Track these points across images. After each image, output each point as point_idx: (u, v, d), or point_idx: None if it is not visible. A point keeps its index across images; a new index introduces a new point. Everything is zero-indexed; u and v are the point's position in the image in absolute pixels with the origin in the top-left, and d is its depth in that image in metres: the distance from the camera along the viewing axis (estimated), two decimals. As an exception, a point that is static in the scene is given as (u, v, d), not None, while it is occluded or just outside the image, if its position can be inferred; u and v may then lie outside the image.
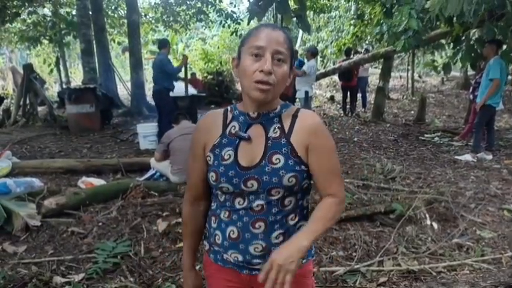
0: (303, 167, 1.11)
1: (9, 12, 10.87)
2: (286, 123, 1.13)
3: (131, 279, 2.54)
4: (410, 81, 14.27)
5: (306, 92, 7.44)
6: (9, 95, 13.46)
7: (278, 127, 1.13)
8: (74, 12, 12.65)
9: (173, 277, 2.57)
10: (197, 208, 1.27)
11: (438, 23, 6.36)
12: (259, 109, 1.13)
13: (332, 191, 1.14)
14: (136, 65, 10.66)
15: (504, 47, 6.16)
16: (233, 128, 1.16)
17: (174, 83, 6.94)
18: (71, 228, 3.21)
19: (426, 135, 7.33)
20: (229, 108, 1.22)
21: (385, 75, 9.76)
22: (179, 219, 3.32)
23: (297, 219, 1.16)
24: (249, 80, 1.07)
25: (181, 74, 7.42)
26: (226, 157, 1.13)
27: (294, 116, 1.14)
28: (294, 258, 1.00)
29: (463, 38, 6.84)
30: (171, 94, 6.93)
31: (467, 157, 5.57)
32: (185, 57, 7.15)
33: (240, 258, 1.15)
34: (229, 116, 1.20)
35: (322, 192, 1.16)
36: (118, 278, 2.54)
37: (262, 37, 1.06)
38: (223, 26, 12.31)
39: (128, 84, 11.56)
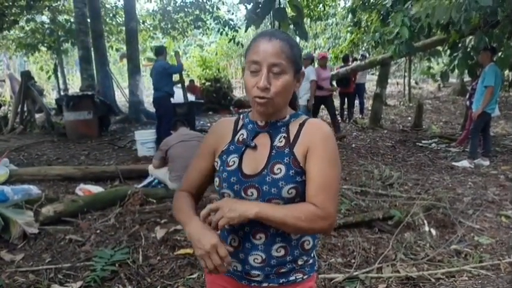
0: (304, 177, 1.07)
1: (7, 19, 10.89)
2: (292, 133, 1.12)
3: (130, 287, 2.52)
4: (407, 87, 14.36)
5: (308, 101, 7.12)
6: (6, 102, 13.44)
7: (284, 136, 1.12)
8: (72, 20, 12.70)
9: (172, 285, 2.56)
10: (188, 194, 1.24)
11: (433, 30, 6.42)
12: (268, 118, 1.14)
13: (316, 201, 1.04)
14: (134, 72, 10.69)
15: (500, 54, 6.22)
16: (241, 135, 1.18)
17: (174, 88, 6.99)
18: (69, 235, 3.19)
19: (423, 142, 7.36)
20: (240, 116, 1.24)
21: (382, 81, 9.81)
22: (178, 227, 3.32)
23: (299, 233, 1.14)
24: (249, 95, 1.10)
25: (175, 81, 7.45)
26: (230, 163, 1.13)
27: (301, 125, 1.13)
28: (236, 213, 1.01)
29: (460, 45, 6.89)
30: (173, 100, 6.96)
31: (465, 163, 5.60)
32: (177, 54, 7.23)
33: (239, 268, 1.14)
34: (240, 123, 1.21)
35: (307, 200, 1.07)
36: (116, 286, 2.53)
37: (258, 51, 1.06)
38: (221, 34, 12.38)
39: (126, 91, 11.59)
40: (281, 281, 1.13)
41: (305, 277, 1.16)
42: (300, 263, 1.14)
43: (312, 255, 1.20)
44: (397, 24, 5.64)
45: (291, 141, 1.11)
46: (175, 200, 1.24)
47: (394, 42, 5.99)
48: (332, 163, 1.08)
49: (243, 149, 1.14)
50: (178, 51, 7.75)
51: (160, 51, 6.92)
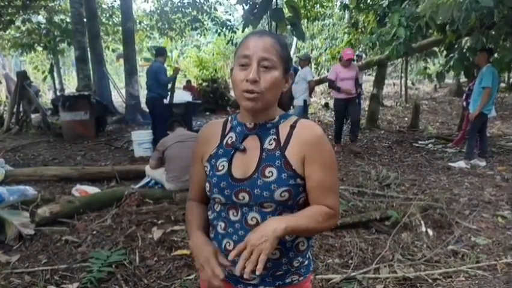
0: (298, 180, 1.07)
1: (3, 19, 10.84)
2: (283, 135, 1.10)
3: (126, 288, 2.51)
4: (403, 88, 14.39)
5: (304, 101, 6.97)
6: (2, 102, 13.37)
7: (274, 139, 1.10)
8: (68, 20, 12.65)
9: (169, 286, 2.55)
10: (198, 204, 1.25)
11: (430, 31, 6.44)
12: (256, 119, 1.12)
13: (327, 203, 1.09)
14: (131, 72, 10.67)
15: (496, 55, 6.26)
16: (230, 138, 1.15)
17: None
18: (65, 236, 3.18)
19: (420, 142, 7.38)
20: (229, 118, 1.22)
21: (379, 82, 9.84)
22: (175, 227, 3.31)
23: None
24: (237, 90, 1.07)
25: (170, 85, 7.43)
26: (220, 168, 1.11)
27: (292, 127, 1.11)
28: (269, 238, 0.97)
29: (456, 46, 6.92)
30: (165, 101, 6.94)
31: (461, 164, 5.61)
32: (177, 69, 7.24)
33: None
34: (228, 126, 1.19)
35: (317, 203, 1.11)
36: (113, 287, 2.52)
37: (249, 45, 1.05)
38: (219, 35, 12.38)
39: (123, 92, 11.56)
40: (277, 284, 1.13)
41: (301, 279, 1.16)
42: (295, 264, 1.13)
43: (307, 256, 1.18)
44: (394, 24, 5.66)
45: (281, 143, 1.09)
46: (186, 211, 1.26)
47: (392, 43, 6.01)
48: (332, 165, 1.11)
49: (232, 153, 1.12)
50: (179, 68, 7.82)
51: (160, 52, 6.86)
